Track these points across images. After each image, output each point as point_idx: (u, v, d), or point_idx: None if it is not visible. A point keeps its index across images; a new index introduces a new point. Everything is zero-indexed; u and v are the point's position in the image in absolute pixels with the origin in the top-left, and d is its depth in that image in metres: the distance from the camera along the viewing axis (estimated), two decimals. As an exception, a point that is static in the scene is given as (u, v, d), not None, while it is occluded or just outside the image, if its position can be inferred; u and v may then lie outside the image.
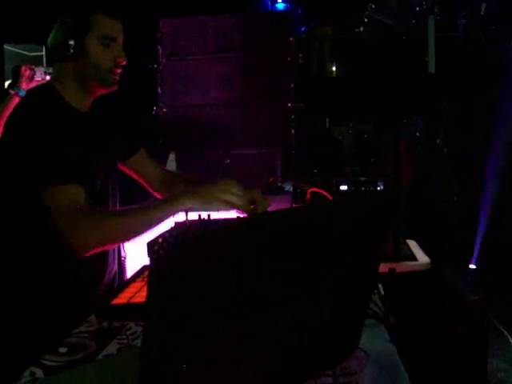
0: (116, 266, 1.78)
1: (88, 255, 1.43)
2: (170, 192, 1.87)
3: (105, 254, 1.67)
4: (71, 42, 1.54)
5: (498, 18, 7.77)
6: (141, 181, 1.88)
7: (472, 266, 4.59)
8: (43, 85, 1.66)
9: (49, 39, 1.59)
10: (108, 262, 1.70)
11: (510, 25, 7.22)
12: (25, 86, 2.77)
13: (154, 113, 3.11)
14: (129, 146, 1.83)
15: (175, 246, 0.55)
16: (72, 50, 1.54)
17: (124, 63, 1.61)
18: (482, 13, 7.98)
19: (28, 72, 2.77)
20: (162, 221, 1.47)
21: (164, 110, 3.11)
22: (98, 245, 1.44)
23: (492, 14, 7.73)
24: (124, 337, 1.22)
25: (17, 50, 8.11)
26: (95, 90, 1.63)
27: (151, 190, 1.89)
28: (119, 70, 1.61)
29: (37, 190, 1.43)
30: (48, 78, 2.56)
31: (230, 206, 1.46)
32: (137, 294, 1.43)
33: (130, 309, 1.34)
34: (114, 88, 1.64)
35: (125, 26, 1.65)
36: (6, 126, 1.54)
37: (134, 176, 1.87)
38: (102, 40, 1.56)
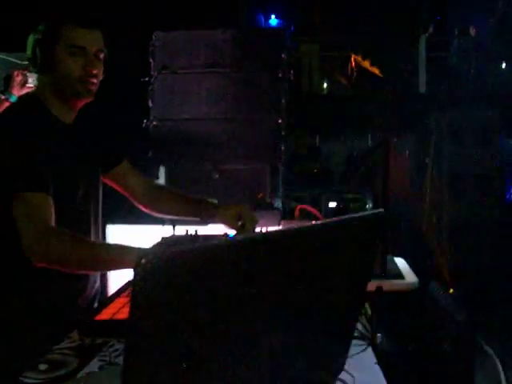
0: (98, 281, 1.76)
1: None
2: (157, 205, 1.87)
3: None
4: (42, 54, 1.54)
5: (488, 39, 7.87)
6: (124, 193, 1.87)
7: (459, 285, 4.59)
8: (31, 94, 1.65)
9: (27, 50, 1.58)
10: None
11: (499, 46, 7.31)
12: (16, 92, 2.74)
13: (144, 126, 3.10)
14: (111, 157, 1.81)
15: (158, 268, 0.54)
16: (43, 61, 1.54)
17: (94, 72, 1.57)
18: (472, 35, 8.08)
19: (20, 77, 2.75)
20: (123, 268, 1.44)
21: (154, 123, 3.09)
22: (54, 264, 1.43)
23: (481, 36, 7.83)
24: (106, 354, 1.19)
25: (10, 59, 8.11)
26: (72, 101, 1.61)
27: (135, 202, 1.88)
28: (92, 79, 1.58)
29: (10, 196, 1.43)
30: None
31: None
32: (121, 309, 1.40)
33: (114, 325, 1.32)
34: (89, 99, 1.62)
35: (117, 39, 1.64)
36: None
37: (118, 188, 1.86)
38: (70, 49, 1.54)
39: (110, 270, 1.54)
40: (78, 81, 1.56)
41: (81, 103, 1.64)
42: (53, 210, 1.46)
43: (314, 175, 5.38)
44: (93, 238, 1.66)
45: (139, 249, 1.40)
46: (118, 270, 1.45)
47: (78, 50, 1.55)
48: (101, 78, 1.62)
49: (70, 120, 1.64)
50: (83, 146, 1.67)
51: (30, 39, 1.56)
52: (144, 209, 1.88)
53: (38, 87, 1.64)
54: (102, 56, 1.60)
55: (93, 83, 1.58)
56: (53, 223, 1.44)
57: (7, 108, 1.73)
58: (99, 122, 1.79)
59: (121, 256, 1.40)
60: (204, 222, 1.88)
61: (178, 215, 1.90)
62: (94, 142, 1.72)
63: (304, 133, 5.84)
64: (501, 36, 7.14)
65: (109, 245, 1.54)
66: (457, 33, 7.66)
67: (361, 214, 0.95)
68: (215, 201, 1.87)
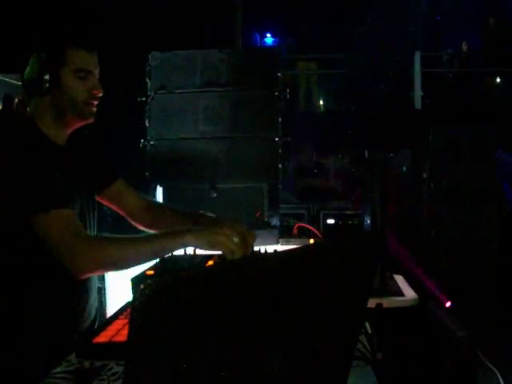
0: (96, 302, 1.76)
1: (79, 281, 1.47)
2: (156, 222, 1.85)
3: (87, 283, 1.65)
4: (46, 77, 1.54)
5: (481, 55, 7.94)
6: (120, 212, 1.86)
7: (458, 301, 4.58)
8: (23, 117, 1.64)
9: (25, 73, 1.58)
10: (90, 293, 1.68)
11: (494, 61, 7.38)
12: None
13: (141, 145, 3.11)
14: (104, 176, 1.81)
15: (158, 294, 0.54)
16: (48, 85, 1.54)
17: (100, 95, 1.61)
18: (464, 50, 8.17)
19: None
20: (163, 254, 1.49)
21: (152, 142, 3.11)
22: (97, 270, 1.49)
23: (474, 51, 7.91)
24: (105, 377, 1.18)
25: (7, 80, 8.16)
26: (72, 123, 1.63)
27: (132, 221, 1.86)
28: (96, 102, 1.61)
29: (27, 218, 1.43)
30: None
31: (230, 255, 1.45)
32: (120, 331, 1.39)
33: (113, 347, 1.30)
34: (91, 120, 1.64)
35: (114, 60, 1.65)
36: None
37: (114, 207, 1.85)
38: (78, 73, 1.56)
39: (155, 257, 1.52)
40: (84, 103, 1.58)
41: (80, 124, 1.65)
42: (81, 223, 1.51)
43: (314, 192, 5.39)
44: None
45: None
46: (161, 256, 1.51)
47: (84, 73, 1.57)
48: None
49: (63, 142, 1.65)
50: (76, 168, 1.67)
51: (33, 61, 1.56)
52: (141, 227, 1.86)
53: (32, 109, 1.63)
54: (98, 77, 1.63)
55: (96, 105, 1.61)
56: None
57: (4, 132, 1.72)
58: (89, 143, 1.78)
59: (160, 241, 1.44)
60: None
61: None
62: (85, 163, 1.72)
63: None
64: (494, 51, 7.21)
65: (141, 238, 1.53)
66: (450, 49, 7.74)
67: (358, 235, 0.95)
68: (212, 215, 1.84)
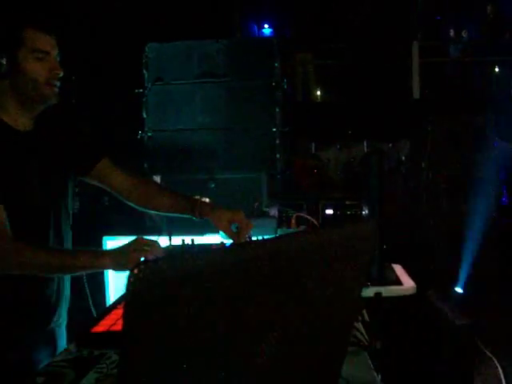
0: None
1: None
2: (148, 200, 1.85)
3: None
4: (3, 60, 1.52)
5: (481, 43, 7.92)
6: (111, 192, 1.83)
7: (458, 290, 4.59)
8: None
9: None
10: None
11: (492, 50, 7.36)
12: None
13: (139, 137, 3.11)
14: (86, 158, 1.77)
15: (151, 278, 0.54)
16: (5, 67, 1.52)
17: (60, 74, 1.58)
18: (463, 38, 8.14)
19: None
20: (73, 272, 1.53)
21: (149, 134, 3.10)
22: (9, 270, 1.47)
23: (474, 39, 7.88)
24: (104, 366, 1.19)
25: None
26: (35, 106, 1.60)
27: (124, 200, 1.84)
28: (57, 82, 1.58)
29: None
30: None
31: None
32: (118, 321, 1.40)
33: (111, 337, 1.31)
34: (54, 101, 1.60)
35: (111, 51, 1.64)
36: None
37: (103, 186, 1.82)
38: (36, 54, 1.53)
39: (72, 273, 1.56)
40: (45, 84, 1.56)
41: (43, 107, 1.62)
42: (5, 221, 1.48)
43: (313, 183, 5.39)
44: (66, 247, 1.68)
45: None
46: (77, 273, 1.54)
47: (43, 54, 1.55)
48: None
49: (28, 127, 1.62)
50: (45, 153, 1.64)
51: None
52: (135, 205, 1.84)
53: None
54: (58, 60, 1.60)
55: (57, 86, 1.59)
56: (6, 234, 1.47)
57: None
58: (65, 126, 1.75)
59: (79, 259, 1.47)
60: (199, 227, 1.86)
61: (169, 211, 1.85)
62: (60, 147, 1.69)
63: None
64: (493, 40, 7.19)
65: (63, 252, 1.57)
66: (450, 37, 7.70)
67: (354, 223, 0.95)
68: (207, 200, 1.83)
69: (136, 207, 1.84)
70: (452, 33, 7.90)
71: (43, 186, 1.61)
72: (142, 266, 0.54)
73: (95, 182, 1.81)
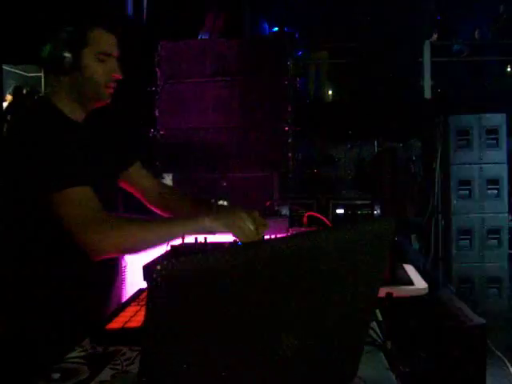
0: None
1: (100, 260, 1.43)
2: (169, 206, 1.86)
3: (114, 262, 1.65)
4: (68, 56, 1.53)
5: (492, 43, 7.87)
6: (136, 193, 1.84)
7: (469, 290, 4.57)
8: (39, 98, 1.64)
9: (44, 51, 1.56)
10: (116, 271, 1.68)
11: (503, 50, 7.31)
12: None
13: (151, 135, 3.12)
14: (125, 158, 1.80)
15: (174, 275, 0.54)
16: (68, 65, 1.53)
17: (119, 78, 1.60)
18: (476, 37, 8.10)
19: None
20: (180, 237, 1.50)
21: (161, 132, 3.11)
22: (115, 251, 1.45)
23: (486, 39, 7.83)
24: (118, 362, 1.19)
25: (16, 71, 8.19)
26: (90, 104, 1.62)
27: (146, 203, 1.85)
28: (114, 85, 1.61)
29: (45, 195, 1.41)
30: None
31: (245, 238, 1.48)
32: (132, 318, 1.40)
33: (125, 333, 1.32)
34: (108, 101, 1.63)
35: (124, 49, 1.65)
36: (9, 141, 1.53)
37: (130, 189, 1.84)
38: (99, 55, 1.55)
39: (173, 240, 1.53)
40: (103, 86, 1.58)
41: (97, 106, 1.64)
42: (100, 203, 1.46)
43: (323, 181, 5.38)
44: None
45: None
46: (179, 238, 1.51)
47: (106, 56, 1.57)
48: None
49: (80, 119, 1.64)
50: (97, 147, 1.65)
51: (55, 39, 1.54)
52: (153, 208, 1.85)
53: (49, 89, 1.61)
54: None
55: (114, 88, 1.61)
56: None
57: (20, 112, 1.66)
58: (108, 124, 1.77)
59: (182, 224, 1.46)
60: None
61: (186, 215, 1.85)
62: (106, 144, 1.71)
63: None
64: (505, 39, 7.14)
65: (162, 220, 1.56)
66: (461, 38, 7.66)
67: (370, 221, 0.95)
68: (224, 203, 1.84)
69: (155, 210, 1.85)
70: (478, 35, 7.85)
71: (99, 179, 1.60)
72: (165, 263, 0.55)
73: (123, 183, 1.82)
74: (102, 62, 1.56)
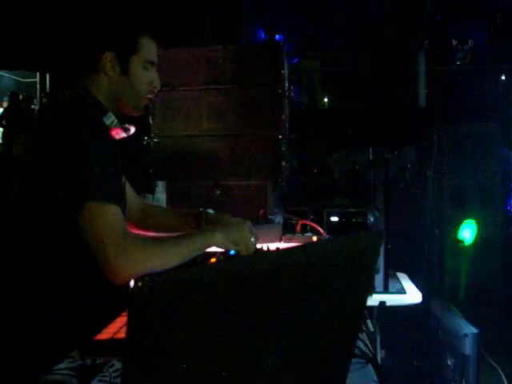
0: None
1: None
2: (149, 223, 1.81)
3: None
4: (115, 59, 1.50)
5: (487, 51, 7.91)
6: None
7: (462, 299, 4.57)
8: (85, 94, 1.51)
9: (84, 47, 1.52)
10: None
11: (498, 58, 7.35)
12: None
13: (144, 142, 3.11)
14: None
15: (156, 291, 0.54)
16: (114, 67, 1.50)
17: (158, 89, 1.59)
18: (470, 46, 8.13)
19: None
20: (195, 255, 1.44)
21: (155, 139, 3.11)
22: (139, 271, 1.33)
23: (480, 48, 7.87)
24: (107, 374, 1.19)
25: (11, 76, 8.18)
26: (123, 111, 1.58)
27: (128, 219, 1.81)
28: (152, 96, 1.59)
29: (76, 205, 1.32)
30: None
31: (247, 252, 1.49)
32: (121, 329, 1.40)
33: (114, 344, 1.31)
34: (140, 114, 1.61)
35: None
36: (49, 134, 1.42)
37: None
38: (145, 64, 1.54)
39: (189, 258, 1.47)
40: (143, 96, 1.57)
41: (128, 115, 1.60)
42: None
43: (317, 188, 5.38)
44: None
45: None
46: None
47: (150, 65, 1.55)
48: None
49: None
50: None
51: (98, 42, 1.51)
52: (133, 226, 1.76)
53: (90, 87, 1.53)
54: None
55: (151, 99, 1.60)
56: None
57: (67, 104, 1.51)
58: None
59: (195, 240, 1.43)
60: None
61: (179, 230, 1.74)
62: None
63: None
64: (499, 48, 7.18)
65: (179, 238, 1.45)
66: (455, 45, 7.70)
67: (357, 235, 0.95)
68: (212, 211, 1.81)
69: (133, 228, 1.75)
70: (454, 43, 7.89)
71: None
72: (146, 279, 0.54)
73: None
74: (146, 70, 1.54)
